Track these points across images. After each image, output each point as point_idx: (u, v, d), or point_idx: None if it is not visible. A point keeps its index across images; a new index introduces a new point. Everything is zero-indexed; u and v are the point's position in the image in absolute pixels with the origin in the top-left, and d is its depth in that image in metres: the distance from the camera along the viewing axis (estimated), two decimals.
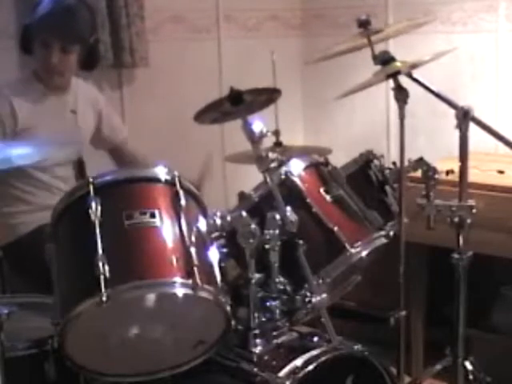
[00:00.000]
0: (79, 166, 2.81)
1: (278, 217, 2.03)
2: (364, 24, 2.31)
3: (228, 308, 1.88)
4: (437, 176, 2.38)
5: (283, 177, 2.22)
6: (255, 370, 2.01)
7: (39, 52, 2.62)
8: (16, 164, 1.91)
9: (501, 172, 2.95)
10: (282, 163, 2.23)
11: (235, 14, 3.82)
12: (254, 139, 2.09)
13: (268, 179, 2.10)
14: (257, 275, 2.04)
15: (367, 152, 2.44)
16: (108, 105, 2.99)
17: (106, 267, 1.76)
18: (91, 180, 1.91)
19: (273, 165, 2.11)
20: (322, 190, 2.27)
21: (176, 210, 1.90)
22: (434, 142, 3.55)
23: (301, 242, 2.05)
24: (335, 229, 2.19)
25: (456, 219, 2.20)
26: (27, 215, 2.67)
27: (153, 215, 1.88)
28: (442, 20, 3.54)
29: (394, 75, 2.24)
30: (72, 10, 2.61)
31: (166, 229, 1.88)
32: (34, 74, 2.69)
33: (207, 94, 2.34)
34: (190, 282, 1.80)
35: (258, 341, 2.07)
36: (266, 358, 2.05)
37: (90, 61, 2.73)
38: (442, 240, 2.33)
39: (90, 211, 1.84)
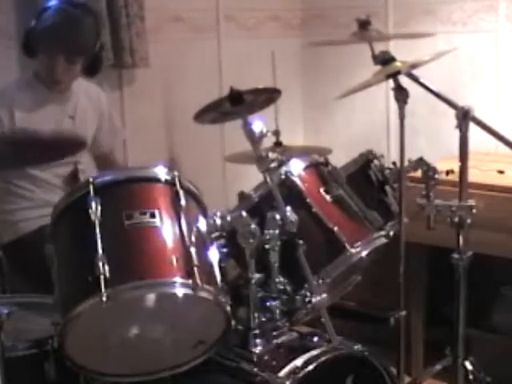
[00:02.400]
0: (72, 173, 2.77)
1: (278, 217, 2.03)
2: (364, 24, 2.31)
3: (228, 308, 1.88)
4: (437, 176, 2.38)
5: (283, 177, 2.22)
6: (255, 369, 2.01)
7: (43, 60, 2.62)
8: None
9: (501, 172, 2.95)
10: (282, 163, 2.23)
11: (235, 13, 3.82)
12: (254, 139, 2.09)
13: (268, 179, 2.10)
14: (257, 275, 2.04)
15: (367, 152, 2.44)
16: (110, 107, 2.99)
17: (106, 267, 1.76)
18: (91, 180, 1.91)
19: (273, 165, 2.11)
20: (322, 190, 2.27)
21: (176, 210, 1.90)
22: (433, 142, 3.54)
23: (301, 241, 2.05)
24: (335, 229, 2.19)
25: (456, 219, 2.20)
26: (27, 211, 2.68)
27: (153, 215, 1.88)
28: (442, 20, 3.54)
29: (394, 75, 2.25)
30: (78, 22, 2.60)
31: (166, 229, 1.88)
32: (36, 76, 2.69)
33: (207, 94, 2.35)
34: (190, 282, 1.80)
35: (258, 341, 2.07)
36: (266, 358, 2.05)
37: (93, 67, 2.73)
38: (442, 240, 2.34)
39: (90, 211, 1.84)
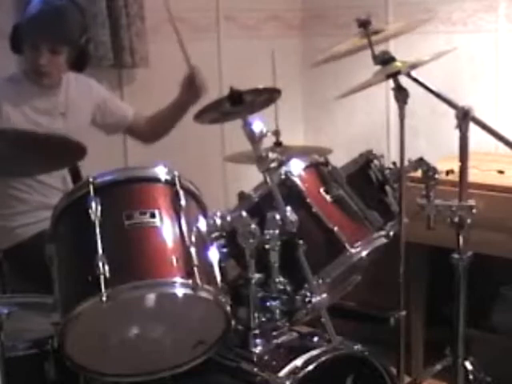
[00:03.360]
0: (73, 170, 2.78)
1: (278, 217, 2.03)
2: (364, 24, 2.31)
3: (228, 308, 1.88)
4: (437, 176, 2.38)
5: (283, 177, 2.22)
6: (255, 369, 2.01)
7: (28, 52, 2.62)
8: None
9: (501, 172, 2.95)
10: (281, 163, 2.23)
11: (235, 13, 3.82)
12: (254, 139, 2.09)
13: (268, 179, 2.10)
14: (257, 275, 2.04)
15: (367, 152, 2.44)
16: (105, 91, 2.96)
17: (106, 267, 1.76)
18: (91, 180, 1.91)
19: (273, 165, 2.11)
20: (322, 190, 2.27)
21: (176, 210, 1.90)
22: (433, 142, 3.55)
23: (301, 241, 2.05)
24: (335, 229, 2.19)
25: (456, 219, 2.20)
26: (25, 216, 2.67)
27: (153, 215, 1.88)
28: (442, 20, 3.54)
29: (394, 75, 2.25)
30: (61, 11, 2.60)
31: (166, 229, 1.88)
32: (24, 73, 2.69)
33: (207, 94, 2.34)
34: (190, 282, 1.80)
35: (257, 341, 2.07)
36: (266, 357, 2.04)
37: (79, 61, 2.72)
38: (442, 240, 2.33)
39: (90, 211, 1.84)
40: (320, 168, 2.32)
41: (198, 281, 1.81)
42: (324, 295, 2.06)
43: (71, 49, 2.64)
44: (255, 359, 2.04)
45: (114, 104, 2.93)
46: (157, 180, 1.97)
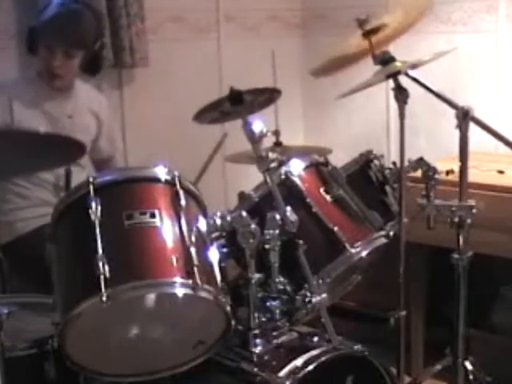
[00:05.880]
0: (65, 176, 2.78)
1: (278, 217, 2.03)
2: (364, 24, 2.31)
3: (228, 308, 1.88)
4: (437, 176, 2.38)
5: (283, 177, 2.22)
6: (255, 369, 2.01)
7: (43, 54, 2.64)
8: None
9: (501, 172, 2.95)
10: (282, 163, 2.23)
11: (235, 13, 3.82)
12: (254, 139, 2.09)
13: (268, 179, 2.10)
14: (257, 275, 2.05)
15: (367, 152, 2.44)
16: (110, 115, 2.99)
17: (106, 267, 1.76)
18: (91, 180, 1.91)
19: (273, 165, 2.11)
20: (322, 190, 2.27)
21: (176, 210, 1.90)
22: (433, 142, 3.54)
23: (301, 241, 2.05)
24: (335, 229, 2.19)
25: (456, 219, 2.20)
26: (24, 211, 2.68)
27: (153, 215, 1.88)
28: (442, 20, 3.54)
29: (394, 75, 2.25)
30: (77, 15, 2.63)
31: (166, 229, 1.88)
32: (38, 74, 2.71)
33: (207, 94, 2.34)
34: (190, 282, 1.80)
35: (257, 341, 2.07)
36: (266, 357, 2.05)
37: (93, 66, 2.74)
38: (442, 240, 2.33)
39: (90, 211, 1.84)
40: (320, 168, 2.32)
41: (198, 281, 1.80)
42: (324, 295, 2.07)
43: (85, 53, 2.66)
44: (255, 359, 2.04)
45: (113, 130, 2.98)
46: (157, 180, 1.97)
